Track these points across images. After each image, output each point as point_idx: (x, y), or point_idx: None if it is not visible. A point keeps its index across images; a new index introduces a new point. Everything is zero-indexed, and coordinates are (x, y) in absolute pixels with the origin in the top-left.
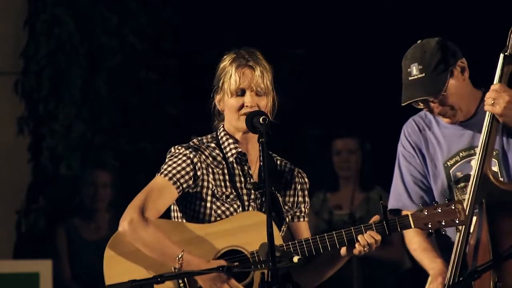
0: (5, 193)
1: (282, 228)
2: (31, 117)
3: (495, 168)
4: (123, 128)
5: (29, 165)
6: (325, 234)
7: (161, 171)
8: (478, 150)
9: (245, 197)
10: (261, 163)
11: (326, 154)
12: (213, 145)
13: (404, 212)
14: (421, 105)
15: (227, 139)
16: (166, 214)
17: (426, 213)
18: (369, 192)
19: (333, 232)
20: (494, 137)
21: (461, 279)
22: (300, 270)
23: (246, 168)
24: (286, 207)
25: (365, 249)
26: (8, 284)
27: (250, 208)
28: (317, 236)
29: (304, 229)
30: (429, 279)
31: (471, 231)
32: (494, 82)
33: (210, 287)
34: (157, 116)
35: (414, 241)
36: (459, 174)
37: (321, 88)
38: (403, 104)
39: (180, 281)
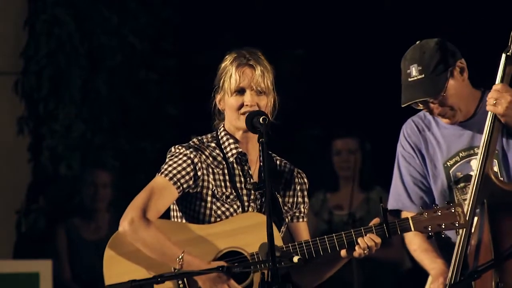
0: (5, 193)
1: (282, 229)
2: (31, 117)
3: (495, 168)
4: (123, 128)
5: (29, 165)
6: (325, 236)
7: (162, 171)
8: (479, 151)
9: (245, 198)
10: (261, 163)
11: (326, 154)
12: (213, 145)
13: (403, 213)
14: (420, 106)
15: (227, 139)
16: (166, 214)
17: (426, 216)
18: (369, 192)
19: (333, 234)
20: (496, 137)
21: (462, 278)
22: (300, 270)
23: (246, 168)
24: (286, 208)
25: (365, 251)
26: (8, 284)
27: (250, 209)
28: (317, 238)
29: (303, 230)
30: (429, 279)
31: (473, 231)
32: (496, 82)
33: (210, 287)
34: (157, 116)
35: (414, 242)
36: (459, 174)
37: (321, 88)
38: (403, 106)
39: (180, 281)
